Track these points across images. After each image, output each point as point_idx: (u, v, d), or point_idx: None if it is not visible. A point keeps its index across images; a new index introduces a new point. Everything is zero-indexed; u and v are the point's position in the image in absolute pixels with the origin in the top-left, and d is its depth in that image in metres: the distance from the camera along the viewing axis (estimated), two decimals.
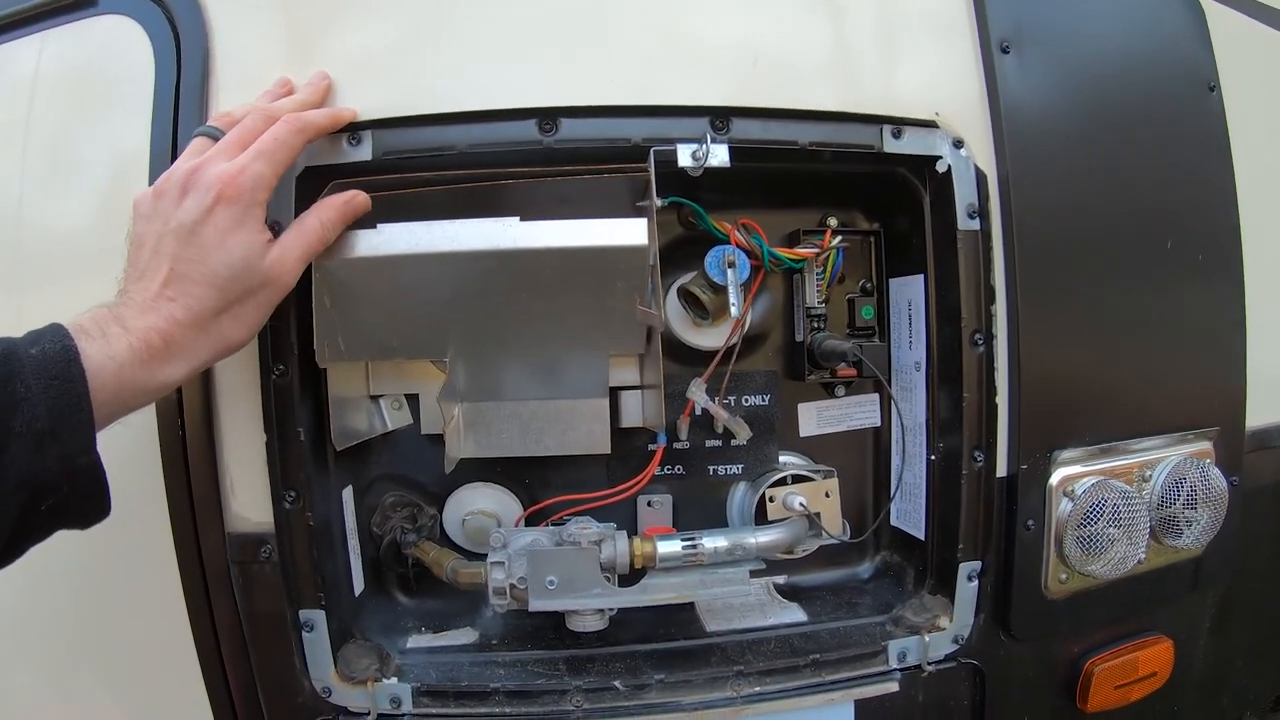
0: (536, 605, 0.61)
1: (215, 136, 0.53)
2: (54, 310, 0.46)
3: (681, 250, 0.69)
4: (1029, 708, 0.76)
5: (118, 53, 0.65)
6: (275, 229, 0.54)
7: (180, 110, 0.62)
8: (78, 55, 0.68)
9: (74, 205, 0.67)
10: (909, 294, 0.71)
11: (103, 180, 0.65)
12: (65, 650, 0.68)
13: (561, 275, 0.59)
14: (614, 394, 0.67)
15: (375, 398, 0.68)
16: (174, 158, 0.59)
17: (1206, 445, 0.78)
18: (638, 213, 0.62)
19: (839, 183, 0.70)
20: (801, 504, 0.65)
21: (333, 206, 0.55)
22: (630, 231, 0.58)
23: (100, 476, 0.44)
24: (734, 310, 0.61)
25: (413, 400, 0.69)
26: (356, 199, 0.56)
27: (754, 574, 0.63)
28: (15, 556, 0.44)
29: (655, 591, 0.62)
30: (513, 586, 0.62)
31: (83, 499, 0.44)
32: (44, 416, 0.41)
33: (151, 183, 0.57)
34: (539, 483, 0.71)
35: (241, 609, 0.63)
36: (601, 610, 0.63)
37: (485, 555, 0.63)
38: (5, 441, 0.40)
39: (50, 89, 0.68)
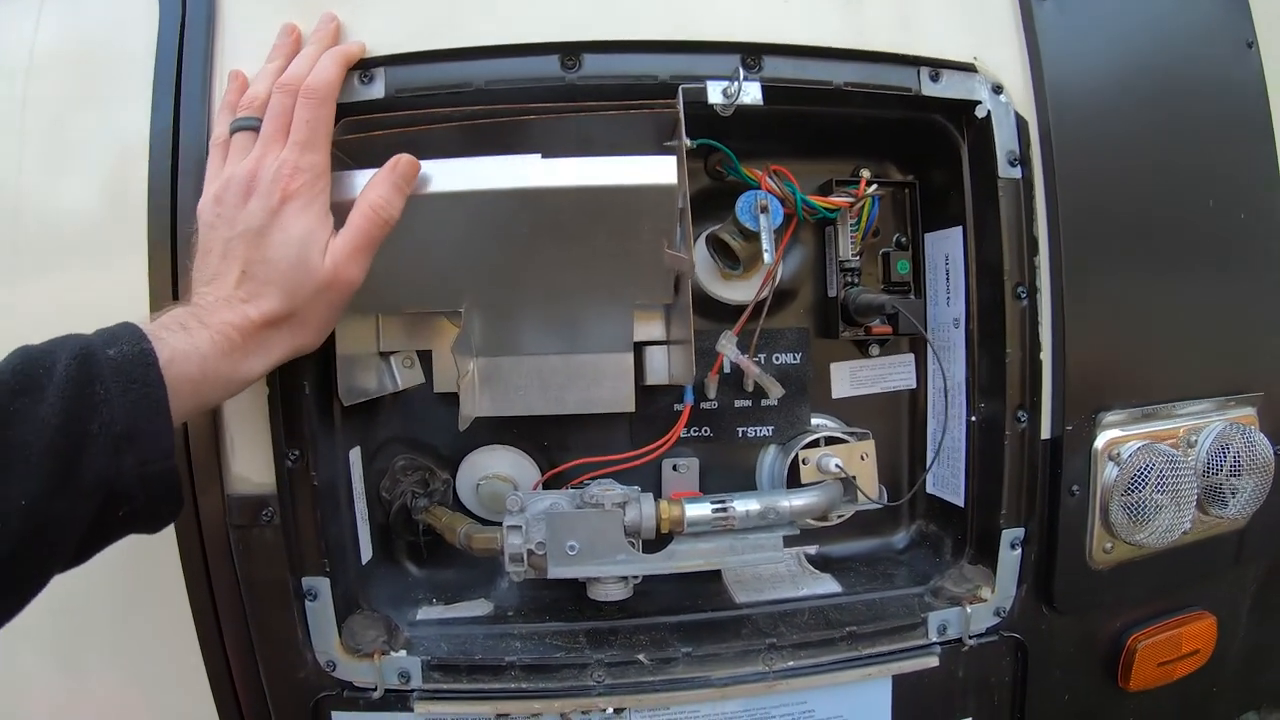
0: (556, 572, 0.58)
1: (255, 127, 0.51)
2: (55, 298, 0.43)
3: (709, 202, 0.65)
4: (1069, 686, 0.72)
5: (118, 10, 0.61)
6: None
7: (184, 70, 0.59)
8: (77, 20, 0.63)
9: (74, 182, 0.62)
10: (946, 248, 0.67)
11: (104, 157, 0.61)
12: (54, 622, 0.64)
13: (585, 217, 0.55)
14: (638, 350, 0.64)
15: (385, 355, 0.64)
16: (176, 129, 0.57)
17: (1250, 411, 0.75)
18: (666, 153, 0.58)
19: (872, 131, 0.67)
20: (838, 465, 0.62)
21: (380, 184, 0.50)
22: (659, 169, 0.54)
23: (176, 482, 0.43)
24: (767, 257, 0.58)
25: (425, 358, 0.65)
26: (401, 163, 0.51)
27: (785, 543, 0.60)
28: (83, 560, 0.43)
29: (683, 558, 0.59)
30: (530, 552, 0.58)
31: (157, 504, 0.43)
32: (122, 420, 0.40)
33: (152, 160, 0.57)
34: (558, 445, 0.67)
35: (241, 576, 0.59)
36: (625, 578, 0.60)
37: (501, 521, 0.59)
38: (83, 444, 0.39)
39: (48, 57, 0.64)
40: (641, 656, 0.59)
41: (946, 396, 0.63)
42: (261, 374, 0.49)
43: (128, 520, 0.42)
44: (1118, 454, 0.67)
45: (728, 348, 0.60)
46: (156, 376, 0.41)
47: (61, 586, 0.61)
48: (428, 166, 0.55)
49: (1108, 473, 0.67)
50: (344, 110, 0.56)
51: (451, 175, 0.54)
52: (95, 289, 0.59)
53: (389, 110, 0.57)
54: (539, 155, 0.55)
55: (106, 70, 0.61)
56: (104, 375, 0.40)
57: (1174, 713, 0.81)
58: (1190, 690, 0.80)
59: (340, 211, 0.50)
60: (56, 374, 0.39)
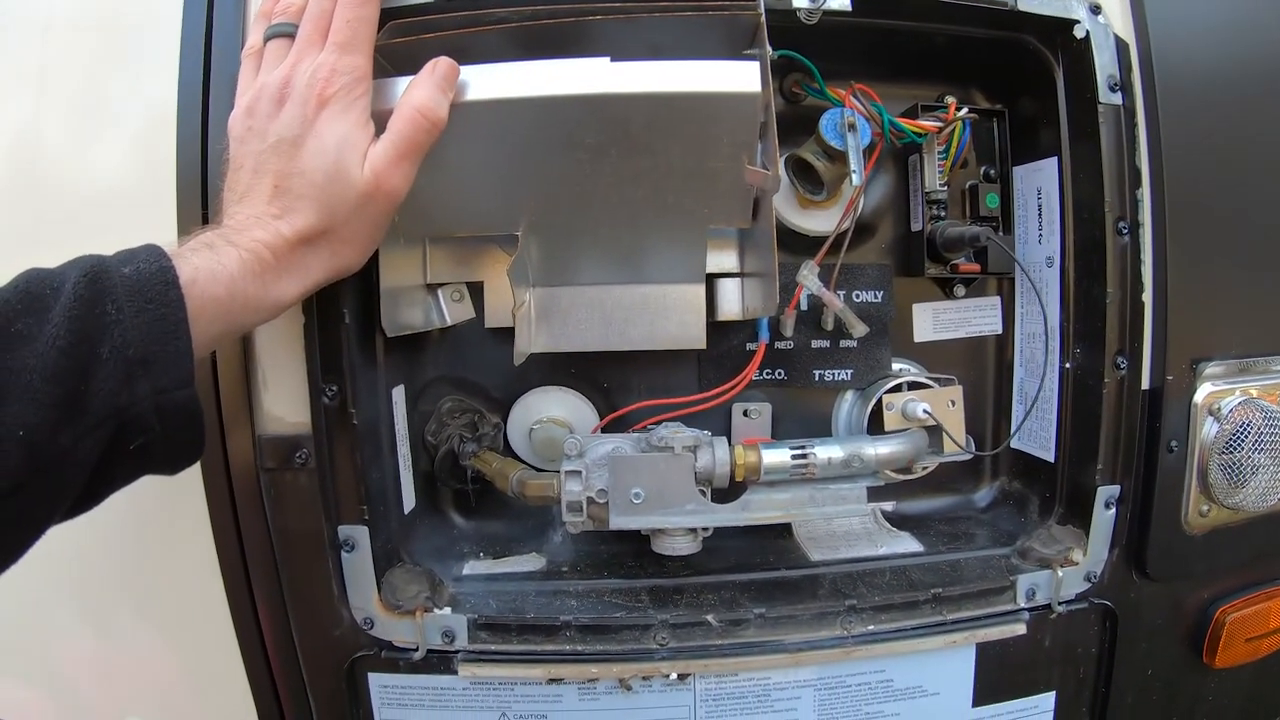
0: (618, 523, 0.52)
1: (290, 34, 0.46)
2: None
3: (784, 126, 0.60)
4: (1153, 660, 0.67)
5: None
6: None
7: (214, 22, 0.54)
8: None
9: (99, 147, 0.58)
10: (1039, 181, 0.62)
11: (131, 120, 0.57)
12: (77, 575, 0.59)
13: (658, 129, 0.50)
14: (708, 283, 0.58)
15: (433, 288, 0.59)
16: (207, 70, 0.53)
17: None
18: (748, 59, 0.53)
19: (959, 54, 0.62)
20: (926, 411, 0.56)
21: (422, 85, 0.46)
22: (741, 75, 0.49)
23: (197, 413, 0.39)
24: (855, 177, 0.53)
25: (476, 291, 0.60)
26: (440, 64, 0.47)
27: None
28: (94, 503, 0.40)
29: (759, 509, 0.53)
30: (590, 501, 0.53)
31: (175, 438, 0.39)
32: (136, 343, 0.36)
33: (181, 113, 0.53)
34: (618, 387, 0.61)
35: (272, 525, 0.54)
36: (694, 530, 0.54)
37: (557, 468, 0.54)
38: (91, 369, 0.35)
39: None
40: (710, 617, 0.54)
41: (1046, 338, 0.58)
42: (297, 298, 0.45)
43: (141, 456, 0.38)
44: (1218, 409, 0.62)
45: (809, 279, 0.55)
46: (176, 296, 0.37)
47: (84, 536, 0.58)
48: (485, 70, 0.50)
49: (1207, 429, 0.62)
50: (391, 14, 0.51)
51: (511, 79, 0.49)
52: None
53: (439, 12, 0.52)
54: (608, 58, 0.50)
55: (133, 26, 0.57)
56: (117, 294, 0.36)
57: (1257, 694, 0.76)
58: (1270, 671, 0.75)
59: (382, 120, 0.46)
60: (64, 293, 0.35)
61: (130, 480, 0.40)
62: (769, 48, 0.50)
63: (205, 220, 0.53)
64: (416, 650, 0.55)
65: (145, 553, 0.57)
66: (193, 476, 0.55)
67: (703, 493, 0.53)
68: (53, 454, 0.34)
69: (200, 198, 0.53)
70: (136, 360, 0.36)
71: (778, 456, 0.53)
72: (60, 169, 0.58)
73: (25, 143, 0.58)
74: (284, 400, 0.54)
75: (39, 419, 0.33)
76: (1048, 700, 0.63)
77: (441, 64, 0.47)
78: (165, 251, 0.39)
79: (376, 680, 0.57)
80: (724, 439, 0.53)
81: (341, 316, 0.52)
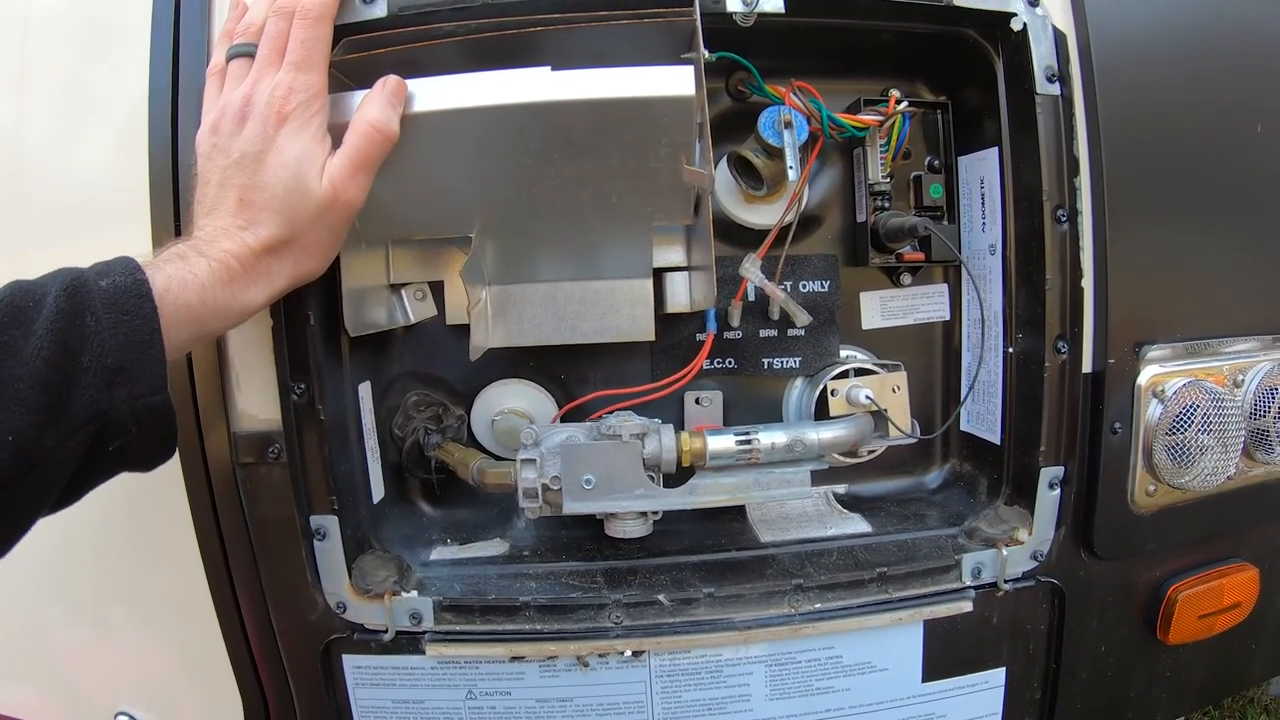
0: (572, 508, 0.55)
1: (250, 53, 0.49)
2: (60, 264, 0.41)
3: (730, 123, 0.62)
4: (1106, 637, 0.69)
5: None
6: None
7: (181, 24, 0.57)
8: None
9: (78, 147, 0.60)
10: (981, 170, 0.63)
11: (107, 119, 0.59)
12: (65, 569, 0.63)
13: (599, 133, 0.52)
14: (658, 277, 0.61)
15: (397, 287, 0.62)
16: (175, 80, 0.56)
17: None
18: (682, 63, 0.55)
19: (902, 49, 0.63)
20: (868, 397, 0.58)
21: (374, 101, 0.48)
22: (675, 79, 0.51)
23: (170, 416, 0.42)
24: (792, 174, 0.55)
25: (437, 289, 0.63)
26: (389, 82, 0.49)
27: (813, 479, 0.57)
28: (74, 499, 0.43)
29: (705, 493, 0.56)
30: (545, 487, 0.56)
31: (150, 440, 0.42)
32: (114, 352, 0.39)
33: (152, 112, 0.56)
34: (575, 378, 0.64)
35: (249, 516, 0.57)
36: (645, 514, 0.57)
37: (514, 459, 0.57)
38: (73, 377, 0.38)
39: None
40: (661, 597, 0.57)
41: (984, 326, 0.60)
42: (264, 303, 0.47)
43: (119, 456, 0.41)
44: (1162, 391, 0.64)
45: (752, 271, 0.57)
46: (150, 308, 0.40)
47: (72, 531, 0.61)
48: (433, 83, 0.52)
49: (1151, 410, 0.64)
50: (345, 30, 0.54)
51: (457, 91, 0.51)
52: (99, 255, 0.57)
53: (391, 28, 0.54)
54: (549, 67, 0.52)
55: (105, 28, 0.59)
56: (95, 307, 0.39)
57: (1212, 669, 0.78)
58: (1229, 646, 0.77)
59: (338, 133, 0.48)
60: (47, 306, 0.38)
61: (109, 478, 0.43)
62: (704, 51, 0.52)
63: (177, 218, 0.55)
64: (386, 632, 0.58)
65: (130, 546, 0.61)
66: (174, 472, 0.58)
67: (651, 478, 0.56)
68: (38, 455, 0.37)
69: (172, 198, 0.56)
70: (115, 368, 0.39)
71: (723, 443, 0.56)
72: (38, 171, 0.60)
73: (3, 145, 0.61)
74: (256, 399, 0.56)
75: (25, 423, 0.36)
76: (998, 676, 0.65)
77: (390, 81, 0.49)
78: (139, 264, 0.41)
79: (350, 661, 0.60)
80: (670, 427, 0.56)
81: (307, 318, 0.55)
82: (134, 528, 0.61)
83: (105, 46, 0.59)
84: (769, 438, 0.56)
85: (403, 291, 0.62)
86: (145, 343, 0.40)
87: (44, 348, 0.37)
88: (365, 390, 0.61)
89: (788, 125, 0.55)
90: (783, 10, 0.54)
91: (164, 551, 0.60)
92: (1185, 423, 0.64)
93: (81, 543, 0.62)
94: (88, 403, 0.38)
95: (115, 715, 0.65)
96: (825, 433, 0.57)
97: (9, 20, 0.62)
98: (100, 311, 0.39)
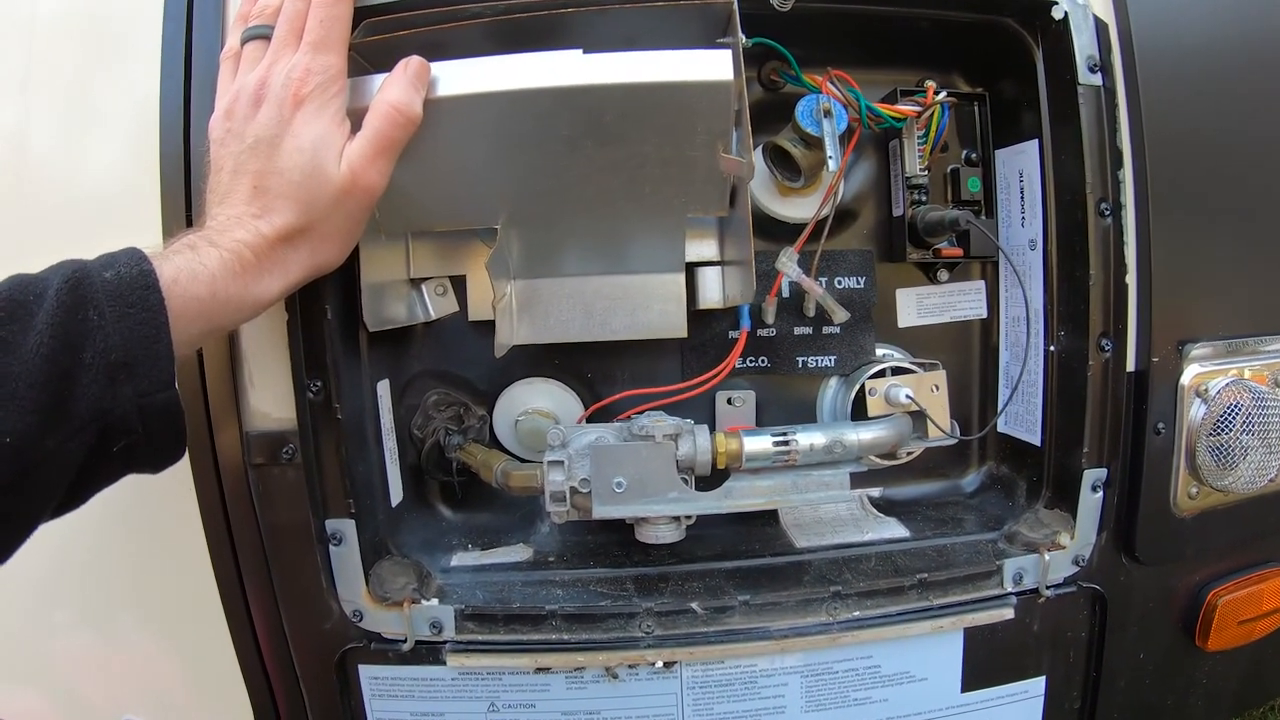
0: (601, 512, 0.53)
1: (266, 35, 0.47)
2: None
3: (763, 114, 0.60)
4: (1145, 644, 0.67)
5: None
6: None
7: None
8: None
9: (85, 147, 0.58)
10: (1020, 164, 0.62)
11: (116, 120, 0.57)
12: (71, 573, 0.60)
13: (633, 119, 0.50)
14: (689, 272, 0.58)
15: (417, 282, 0.59)
16: (188, 68, 0.54)
17: None
18: (718, 48, 0.53)
19: (939, 39, 0.62)
20: (908, 396, 0.56)
21: (395, 83, 0.46)
22: (713, 64, 0.49)
23: (178, 415, 0.40)
24: (832, 164, 0.52)
25: (459, 284, 0.60)
26: (412, 63, 0.47)
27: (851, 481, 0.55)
28: (77, 504, 0.40)
29: (741, 496, 0.54)
30: (574, 490, 0.53)
31: (157, 440, 0.39)
32: (119, 348, 0.37)
33: (164, 117, 0.54)
34: (602, 377, 0.62)
35: (261, 520, 0.55)
36: (678, 518, 0.55)
37: (541, 459, 0.54)
38: (74, 374, 0.36)
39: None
40: (695, 605, 0.55)
41: (1028, 322, 0.58)
42: (279, 296, 0.45)
43: (125, 458, 0.39)
44: (1205, 390, 0.62)
45: (788, 265, 0.55)
46: (157, 300, 0.38)
47: (78, 535, 0.58)
48: (458, 66, 0.50)
49: (1194, 411, 0.62)
50: (365, 12, 0.51)
51: (484, 74, 0.49)
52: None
53: (413, 9, 0.52)
54: (580, 50, 0.50)
55: (114, 27, 0.57)
56: (98, 299, 0.37)
57: (1248, 676, 0.76)
58: (1265, 652, 0.75)
59: (358, 117, 0.46)
60: (47, 300, 0.36)
61: (114, 480, 0.41)
62: (742, 35, 0.50)
63: (189, 219, 0.53)
64: (405, 641, 0.55)
65: (137, 549, 0.58)
66: (183, 473, 0.55)
67: (685, 481, 0.53)
68: (37, 457, 0.35)
69: (184, 198, 0.53)
70: (119, 364, 0.36)
71: (759, 444, 0.53)
72: (46, 171, 0.58)
73: (10, 145, 0.59)
74: (270, 397, 0.54)
75: (24, 424, 0.34)
76: (1038, 685, 0.63)
77: (413, 62, 0.47)
78: (146, 255, 0.39)
79: (367, 672, 0.57)
80: (705, 427, 0.54)
81: (324, 313, 0.52)
82: (141, 530, 0.58)
83: (114, 38, 0.57)
84: (807, 439, 0.53)
85: (423, 286, 0.60)
86: (151, 337, 0.37)
87: (44, 344, 0.35)
88: (384, 389, 0.59)
89: (827, 114, 0.53)
90: None
91: (173, 555, 0.58)
92: (1228, 423, 0.62)
93: (87, 545, 0.59)
94: (90, 401, 0.36)
95: None
96: (865, 433, 0.54)
97: (15, 17, 0.60)
98: (104, 304, 0.37)
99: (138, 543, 0.58)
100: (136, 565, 0.59)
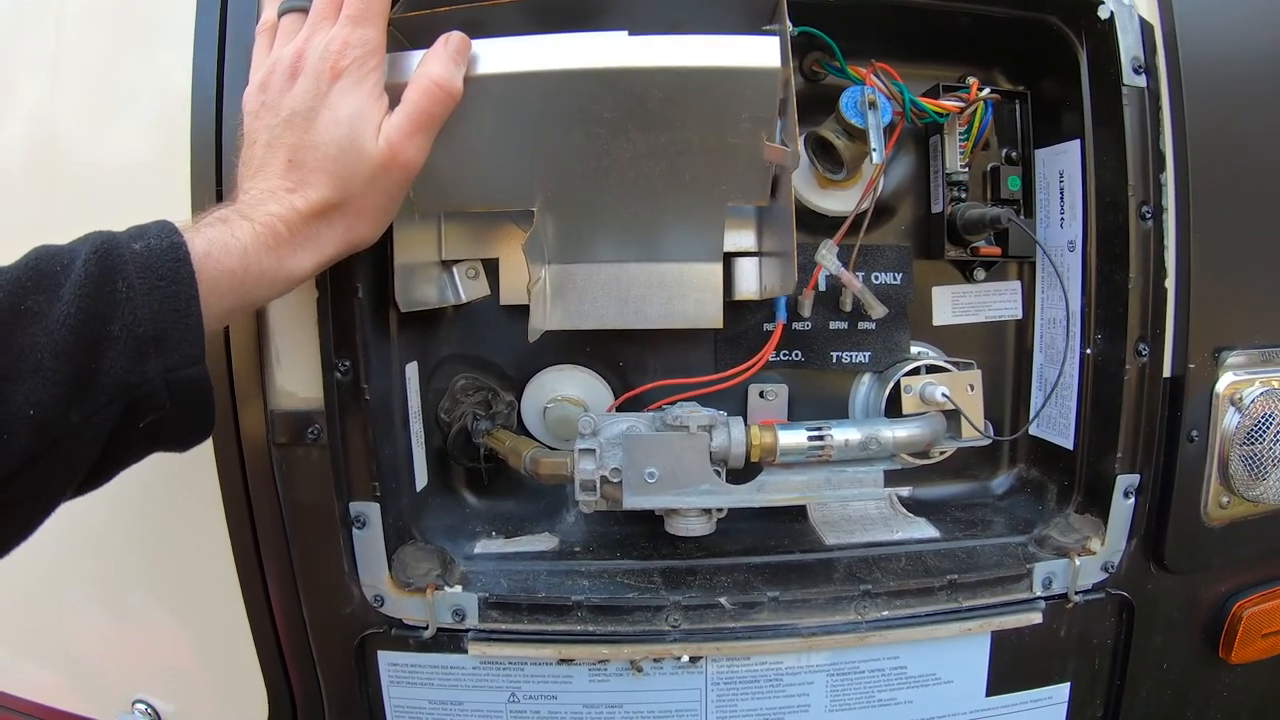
0: (632, 502, 0.52)
1: (304, 9, 0.46)
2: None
3: (803, 105, 0.59)
4: (1169, 654, 0.66)
5: None
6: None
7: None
8: None
9: (114, 128, 0.57)
10: (1061, 164, 0.61)
11: (145, 101, 0.56)
12: (87, 551, 0.59)
13: (677, 103, 0.49)
14: (725, 261, 0.58)
15: (448, 264, 0.59)
16: (221, 56, 0.53)
17: None
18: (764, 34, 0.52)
19: (982, 35, 0.61)
20: (944, 395, 0.56)
21: (436, 58, 0.45)
22: (761, 50, 0.48)
23: (208, 389, 0.39)
24: (876, 156, 0.52)
25: (491, 267, 0.60)
26: (453, 38, 0.47)
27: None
28: (104, 480, 0.39)
29: (775, 490, 0.53)
30: (604, 480, 0.52)
31: (185, 416, 0.39)
32: (148, 321, 0.36)
33: (195, 95, 0.53)
34: (634, 366, 0.61)
35: (284, 500, 0.54)
36: (709, 511, 0.54)
37: (571, 447, 0.53)
38: (101, 347, 0.35)
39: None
40: (723, 600, 0.54)
41: (1068, 323, 0.57)
42: (312, 271, 0.44)
43: (152, 434, 0.38)
44: (1240, 399, 0.61)
45: (828, 258, 0.54)
46: (188, 272, 0.37)
47: (95, 512, 0.57)
48: (500, 44, 0.49)
49: (1228, 419, 0.61)
50: None
51: (527, 53, 0.48)
52: None
53: None
54: (625, 32, 0.49)
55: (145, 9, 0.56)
56: (127, 270, 0.36)
57: (1269, 690, 0.75)
58: None
59: (395, 94, 0.45)
60: (75, 270, 0.35)
61: (141, 457, 0.40)
62: (789, 23, 0.50)
63: (219, 195, 0.52)
64: (426, 628, 0.54)
65: (154, 527, 0.57)
66: (204, 451, 0.54)
67: (718, 473, 0.53)
68: (62, 432, 0.34)
69: (215, 174, 0.53)
70: (148, 338, 0.36)
71: (794, 438, 0.53)
72: (77, 148, 0.57)
73: (41, 122, 0.58)
74: (296, 375, 0.53)
75: (49, 397, 0.33)
76: (1062, 691, 0.62)
77: (454, 37, 0.46)
78: (176, 227, 0.38)
79: (386, 658, 0.56)
80: (740, 419, 0.53)
81: (355, 291, 0.51)
82: (159, 508, 0.57)
83: (151, 12, 0.56)
84: (842, 434, 0.53)
85: (454, 269, 0.59)
86: (182, 310, 0.37)
87: (70, 315, 0.34)
88: (412, 370, 0.58)
89: (872, 106, 0.53)
90: None
91: (190, 534, 0.57)
92: (1261, 433, 0.62)
93: (103, 522, 0.58)
94: (117, 374, 0.35)
95: (132, 703, 0.62)
96: (900, 431, 0.54)
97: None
98: (133, 276, 0.36)
99: (154, 520, 0.57)
100: (152, 543, 0.58)
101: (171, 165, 0.53)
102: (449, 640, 0.55)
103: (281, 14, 0.47)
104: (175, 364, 0.37)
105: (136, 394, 0.36)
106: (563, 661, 0.55)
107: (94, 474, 0.38)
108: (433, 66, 0.45)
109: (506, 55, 0.48)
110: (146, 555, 0.58)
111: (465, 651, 0.54)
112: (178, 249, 0.37)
